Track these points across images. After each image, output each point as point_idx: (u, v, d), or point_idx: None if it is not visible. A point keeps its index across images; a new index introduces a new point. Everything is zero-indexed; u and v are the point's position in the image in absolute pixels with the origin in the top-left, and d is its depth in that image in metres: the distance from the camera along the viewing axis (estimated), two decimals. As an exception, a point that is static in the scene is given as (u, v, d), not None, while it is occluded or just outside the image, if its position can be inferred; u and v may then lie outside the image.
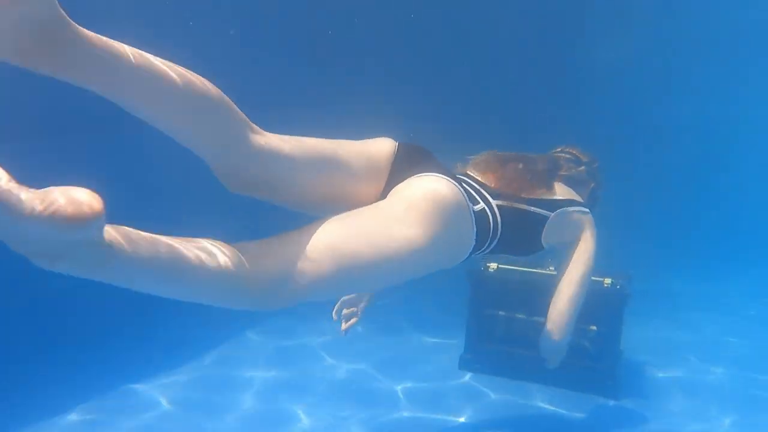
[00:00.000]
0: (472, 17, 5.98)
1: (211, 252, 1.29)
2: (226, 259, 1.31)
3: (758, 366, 3.50)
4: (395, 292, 4.41)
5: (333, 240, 1.49)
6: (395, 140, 1.86)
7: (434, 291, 3.89)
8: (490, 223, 1.87)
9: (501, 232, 1.91)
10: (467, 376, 3.27)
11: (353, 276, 1.53)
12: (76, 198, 0.89)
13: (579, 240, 2.19)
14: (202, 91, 1.39)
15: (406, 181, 1.75)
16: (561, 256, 2.27)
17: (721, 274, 5.29)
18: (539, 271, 3.24)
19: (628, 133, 6.26)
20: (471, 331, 3.34)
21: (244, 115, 1.52)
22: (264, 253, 1.41)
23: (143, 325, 3.51)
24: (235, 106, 1.49)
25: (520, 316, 3.22)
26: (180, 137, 1.45)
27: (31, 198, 0.87)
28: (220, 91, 1.44)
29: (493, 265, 3.33)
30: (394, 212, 1.64)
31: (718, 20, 6.45)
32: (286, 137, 1.63)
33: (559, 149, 2.42)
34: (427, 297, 4.16)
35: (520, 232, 2.00)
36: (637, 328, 3.75)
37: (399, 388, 3.13)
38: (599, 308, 2.97)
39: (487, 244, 1.91)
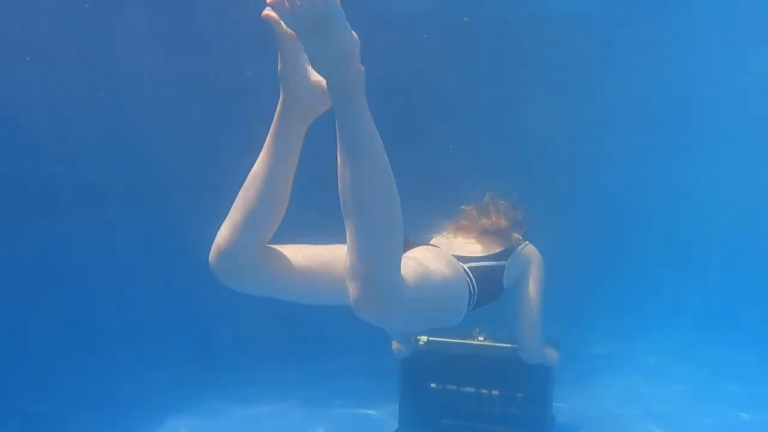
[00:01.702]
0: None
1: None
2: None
3: (683, 422, 3.66)
4: (323, 369, 4.36)
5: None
6: None
7: (365, 369, 3.92)
8: (468, 282, 2.25)
9: (477, 288, 2.29)
10: (403, 452, 3.25)
11: (425, 300, 1.82)
12: None
13: (530, 271, 2.72)
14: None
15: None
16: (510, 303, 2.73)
17: (651, 336, 5.54)
18: (468, 341, 3.32)
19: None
20: (404, 405, 3.35)
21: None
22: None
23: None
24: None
25: (451, 387, 3.27)
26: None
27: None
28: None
29: (423, 339, 3.39)
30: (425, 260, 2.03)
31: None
32: (288, 248, 1.84)
33: (500, 201, 2.76)
34: (358, 373, 4.15)
35: (489, 284, 2.42)
36: (570, 391, 3.86)
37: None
38: (525, 375, 3.08)
39: (474, 301, 2.27)
